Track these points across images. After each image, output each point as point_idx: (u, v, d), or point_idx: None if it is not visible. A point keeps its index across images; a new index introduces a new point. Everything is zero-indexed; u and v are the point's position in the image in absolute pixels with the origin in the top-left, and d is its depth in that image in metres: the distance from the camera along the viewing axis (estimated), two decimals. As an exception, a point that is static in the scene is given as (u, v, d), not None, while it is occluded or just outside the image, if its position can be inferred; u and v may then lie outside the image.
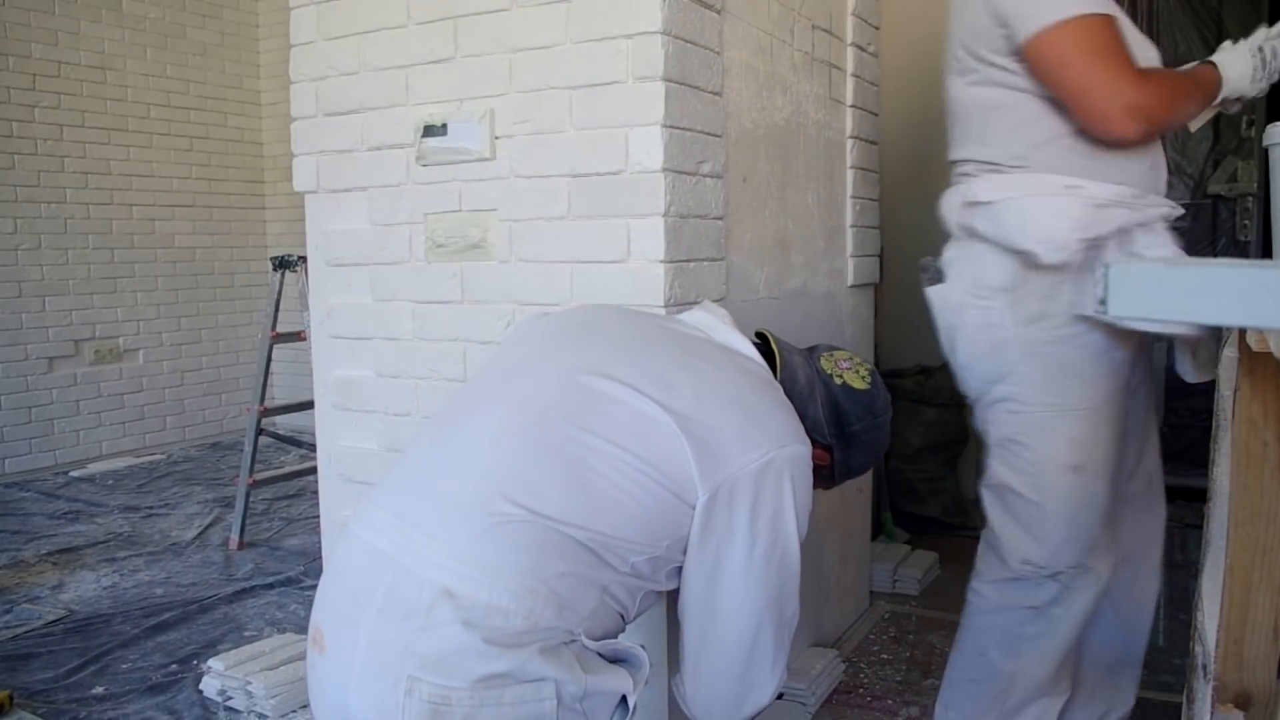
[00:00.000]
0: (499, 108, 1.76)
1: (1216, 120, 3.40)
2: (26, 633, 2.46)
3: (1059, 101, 1.43)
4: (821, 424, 1.35)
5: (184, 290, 4.92)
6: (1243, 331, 0.83)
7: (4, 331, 4.21)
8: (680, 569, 1.17)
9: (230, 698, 2.04)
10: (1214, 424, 0.97)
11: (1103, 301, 0.69)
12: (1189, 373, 1.47)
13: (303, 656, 1.87)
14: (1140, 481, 1.68)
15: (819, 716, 1.99)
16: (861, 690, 2.11)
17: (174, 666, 2.27)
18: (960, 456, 3.32)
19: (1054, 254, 1.41)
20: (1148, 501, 1.70)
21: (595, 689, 1.04)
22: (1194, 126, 1.54)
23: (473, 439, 1.14)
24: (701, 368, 1.22)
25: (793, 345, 1.45)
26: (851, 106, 2.33)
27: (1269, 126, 1.39)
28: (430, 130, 1.84)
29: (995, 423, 1.56)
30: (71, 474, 4.28)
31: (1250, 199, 3.42)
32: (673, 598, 1.25)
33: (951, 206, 1.57)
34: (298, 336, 3.22)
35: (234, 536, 3.19)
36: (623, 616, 1.15)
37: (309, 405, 2.33)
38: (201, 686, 2.11)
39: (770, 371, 1.33)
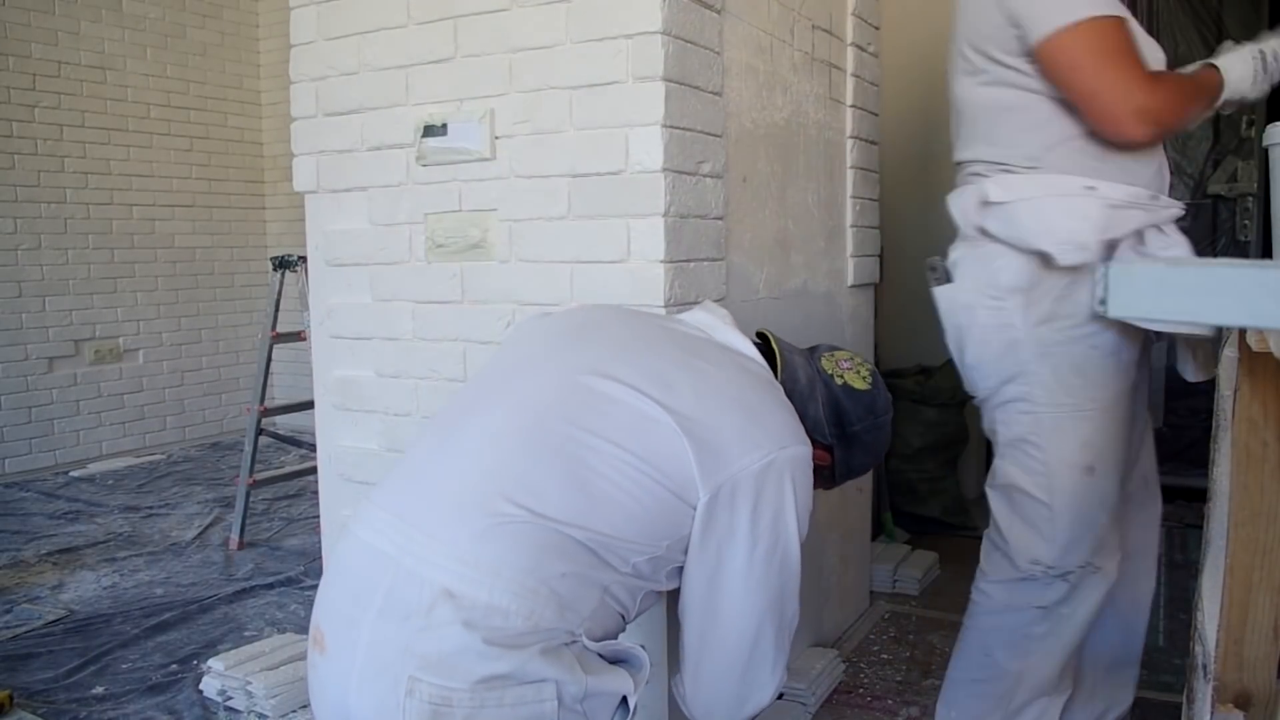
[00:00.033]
0: (499, 108, 1.76)
1: (1216, 120, 3.41)
2: (26, 633, 2.46)
3: (1071, 103, 1.43)
4: (822, 424, 1.35)
5: (184, 290, 4.92)
6: (1243, 331, 0.83)
7: (4, 331, 4.21)
8: (681, 569, 1.17)
9: (230, 698, 2.04)
10: (1214, 424, 0.97)
11: (1103, 301, 0.69)
12: (1190, 372, 1.48)
13: (303, 657, 1.87)
14: (1137, 479, 1.68)
15: (819, 716, 1.99)
16: (861, 690, 2.11)
17: (174, 666, 2.27)
18: (960, 456, 3.32)
19: (1074, 255, 1.40)
20: (1144, 499, 1.70)
21: (596, 690, 1.04)
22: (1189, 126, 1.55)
23: (473, 439, 1.14)
24: (702, 368, 1.22)
25: (793, 345, 1.45)
26: (851, 106, 2.33)
27: (1269, 126, 1.40)
28: (430, 130, 1.84)
29: (1006, 423, 1.55)
30: (71, 474, 4.28)
31: (1250, 199, 3.42)
32: (673, 598, 1.25)
33: (964, 206, 1.55)
34: (298, 336, 3.22)
35: (234, 536, 3.19)
36: (623, 617, 1.15)
37: (309, 405, 2.33)
38: (201, 686, 2.11)
39: (771, 372, 1.33)
